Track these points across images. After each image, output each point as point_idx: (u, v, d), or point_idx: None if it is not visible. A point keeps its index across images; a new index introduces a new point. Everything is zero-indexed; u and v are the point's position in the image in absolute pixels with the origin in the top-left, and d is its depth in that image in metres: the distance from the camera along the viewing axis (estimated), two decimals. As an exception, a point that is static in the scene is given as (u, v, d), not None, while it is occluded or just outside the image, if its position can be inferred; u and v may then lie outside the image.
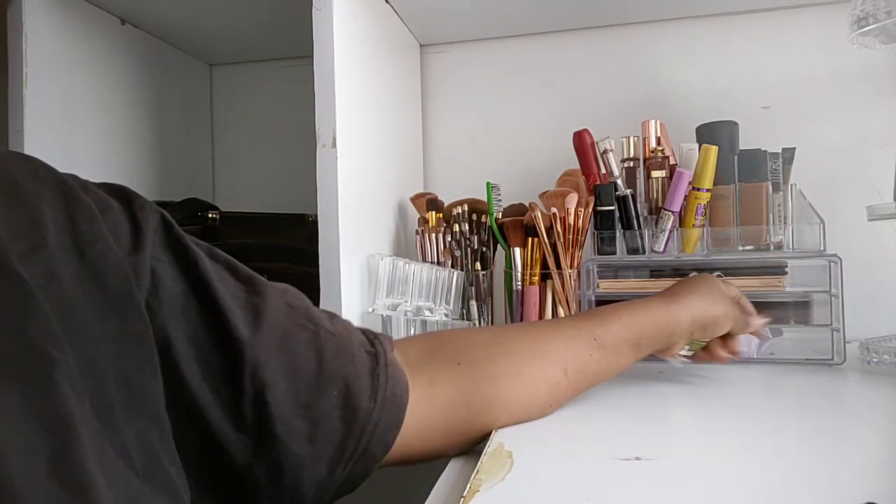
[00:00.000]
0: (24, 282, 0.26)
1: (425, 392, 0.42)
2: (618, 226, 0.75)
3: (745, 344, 0.66)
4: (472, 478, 0.37)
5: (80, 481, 0.23)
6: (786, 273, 0.69)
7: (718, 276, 0.70)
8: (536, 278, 0.76)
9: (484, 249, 0.81)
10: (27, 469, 0.22)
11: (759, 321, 0.60)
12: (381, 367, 0.40)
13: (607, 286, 0.73)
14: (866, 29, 0.65)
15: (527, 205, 0.79)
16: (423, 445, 0.42)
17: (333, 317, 0.42)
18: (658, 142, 0.78)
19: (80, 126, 0.88)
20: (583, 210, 0.74)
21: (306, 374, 0.37)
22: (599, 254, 0.75)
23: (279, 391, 0.35)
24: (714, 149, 0.72)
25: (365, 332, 0.43)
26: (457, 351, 0.46)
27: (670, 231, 0.73)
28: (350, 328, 0.42)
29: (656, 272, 0.74)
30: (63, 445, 0.24)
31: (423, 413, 0.41)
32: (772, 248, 0.72)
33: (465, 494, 0.35)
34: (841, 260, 0.66)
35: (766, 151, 0.74)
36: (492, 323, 0.81)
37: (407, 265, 0.74)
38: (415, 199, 0.86)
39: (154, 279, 0.33)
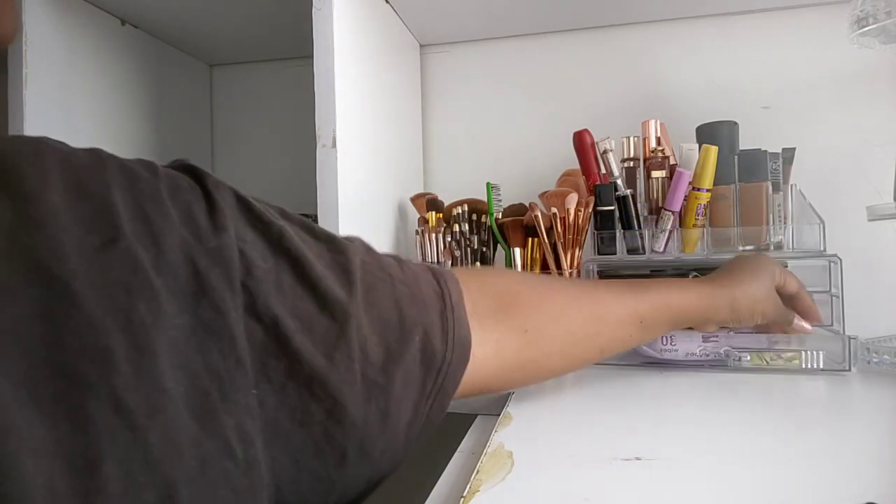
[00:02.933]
0: (66, 290, 0.25)
1: (492, 353, 0.45)
2: (618, 226, 0.75)
3: (686, 341, 0.66)
4: (472, 478, 0.37)
5: None
6: (786, 273, 0.69)
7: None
8: (536, 278, 0.76)
9: (484, 249, 0.81)
10: None
11: (802, 325, 0.63)
12: (448, 309, 0.42)
13: (607, 286, 0.73)
14: (866, 29, 0.65)
15: (527, 205, 0.79)
16: (480, 388, 0.46)
17: (401, 263, 0.43)
18: (658, 142, 0.78)
19: (80, 126, 0.88)
20: (583, 210, 0.74)
21: (392, 325, 0.38)
22: (599, 254, 0.75)
23: (374, 343, 0.37)
24: (714, 149, 0.72)
25: (432, 270, 0.45)
26: (526, 316, 0.48)
27: (670, 231, 0.73)
28: (418, 272, 0.43)
29: (656, 272, 0.74)
30: (85, 494, 0.22)
31: (487, 370, 0.45)
32: (772, 248, 0.72)
33: (465, 494, 0.35)
34: (841, 260, 0.66)
35: (766, 151, 0.74)
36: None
37: (407, 265, 0.74)
38: (415, 199, 0.86)
39: (244, 261, 0.33)
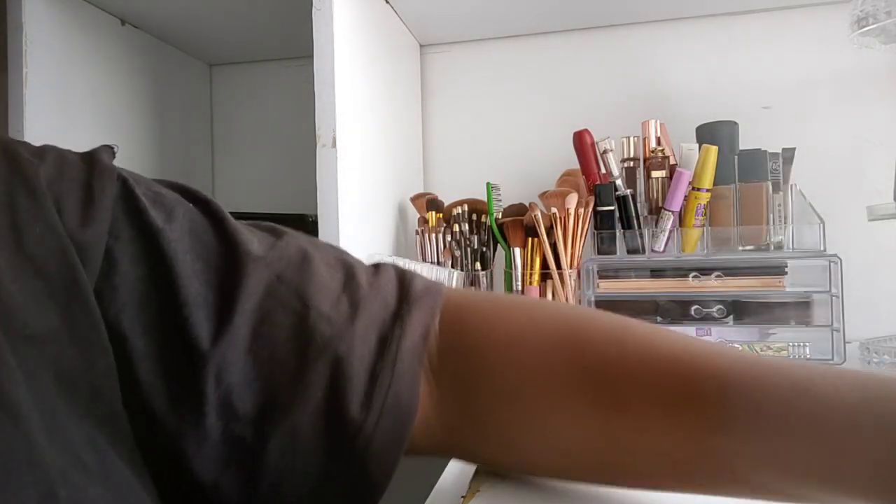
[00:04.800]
0: None
1: (432, 422, 0.31)
2: (618, 226, 0.75)
3: None
4: (472, 478, 0.37)
5: None
6: (786, 273, 0.69)
7: (718, 275, 0.70)
8: (536, 278, 0.76)
9: (484, 249, 0.81)
10: None
11: None
12: (388, 362, 0.30)
13: (607, 286, 0.73)
14: (866, 29, 0.65)
15: (527, 205, 0.79)
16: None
17: (350, 282, 0.31)
18: (658, 142, 0.78)
19: (80, 126, 0.88)
20: (583, 210, 0.74)
21: (285, 371, 0.29)
22: (599, 254, 0.75)
23: (249, 394, 0.28)
24: (714, 149, 0.72)
25: (401, 295, 0.32)
26: (488, 402, 0.31)
27: (670, 231, 0.73)
28: (368, 300, 0.31)
29: (657, 272, 0.74)
30: None
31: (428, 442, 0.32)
32: (772, 248, 0.72)
33: (465, 494, 0.34)
34: (841, 260, 0.66)
35: (766, 151, 0.74)
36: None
37: (407, 265, 0.74)
38: (415, 199, 0.86)
39: (108, 260, 0.27)
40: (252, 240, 0.31)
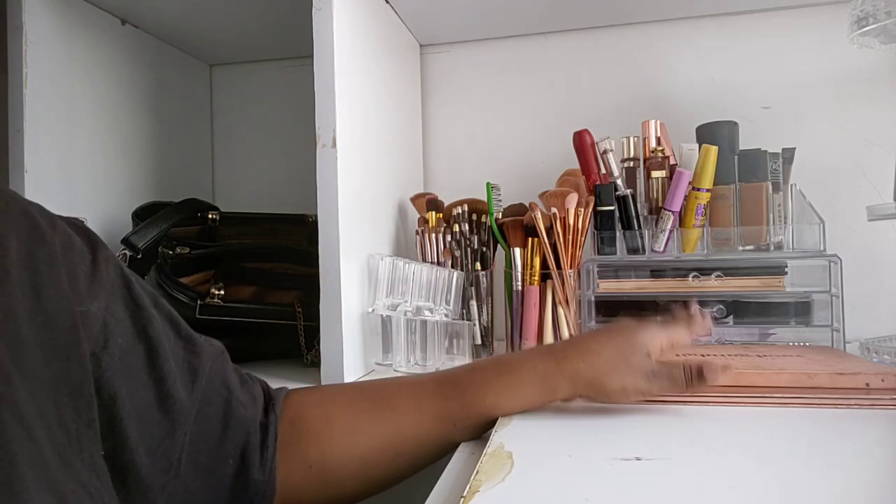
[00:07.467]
0: None
1: (278, 491, 0.44)
2: (618, 226, 0.75)
3: None
4: (472, 478, 0.37)
5: None
6: (786, 273, 0.69)
7: (718, 275, 0.70)
8: (536, 278, 0.76)
9: (484, 249, 0.81)
10: None
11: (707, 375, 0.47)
12: (270, 439, 0.44)
13: (607, 286, 0.73)
14: (866, 29, 0.65)
15: (527, 205, 0.79)
16: None
17: (245, 381, 0.45)
18: (658, 142, 0.78)
19: (80, 126, 0.88)
20: (583, 210, 0.74)
21: (213, 441, 0.40)
22: (599, 254, 0.75)
23: (190, 453, 0.38)
24: (714, 149, 0.72)
25: (265, 394, 0.47)
26: (311, 447, 0.46)
27: (670, 231, 0.73)
28: (256, 396, 0.45)
29: (657, 272, 0.74)
30: (7, 483, 0.24)
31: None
32: (772, 248, 0.72)
33: (465, 494, 0.34)
34: (841, 260, 0.66)
35: (766, 151, 0.74)
36: (492, 324, 0.81)
37: (407, 265, 0.74)
38: (415, 199, 0.86)
39: (105, 332, 0.34)
40: (195, 335, 0.42)
